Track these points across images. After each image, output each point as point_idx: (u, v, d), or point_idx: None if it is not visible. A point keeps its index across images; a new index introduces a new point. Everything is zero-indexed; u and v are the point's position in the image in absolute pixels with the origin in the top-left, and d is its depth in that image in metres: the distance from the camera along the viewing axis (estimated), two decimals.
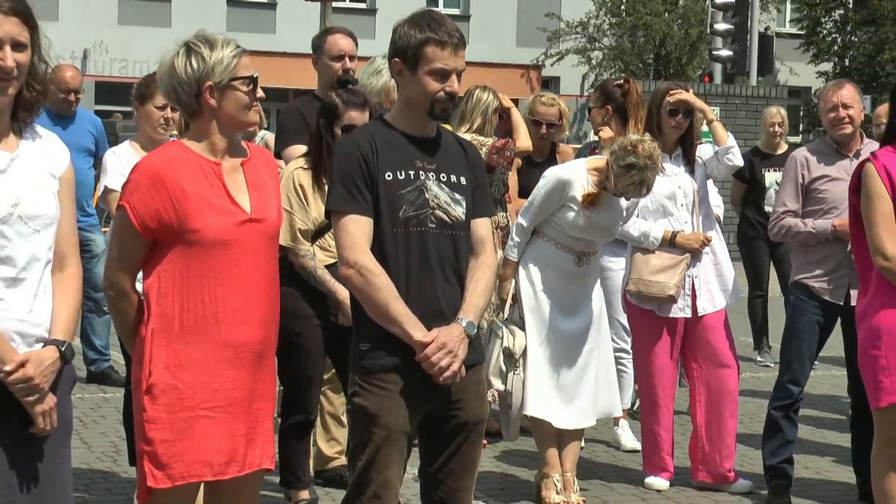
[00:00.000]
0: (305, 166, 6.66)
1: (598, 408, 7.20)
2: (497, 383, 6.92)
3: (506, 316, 7.04)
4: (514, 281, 7.07)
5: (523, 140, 8.46)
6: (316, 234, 6.65)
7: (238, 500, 4.62)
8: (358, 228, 4.58)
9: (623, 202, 7.09)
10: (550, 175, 7.13)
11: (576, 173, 7.07)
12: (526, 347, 6.94)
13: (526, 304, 7.01)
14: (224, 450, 4.45)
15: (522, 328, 6.97)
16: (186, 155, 4.44)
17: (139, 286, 4.51)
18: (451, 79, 4.60)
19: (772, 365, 11.85)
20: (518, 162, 8.69)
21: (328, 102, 6.68)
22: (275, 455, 4.70)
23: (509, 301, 7.05)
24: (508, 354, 6.90)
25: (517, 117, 8.53)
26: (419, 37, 4.58)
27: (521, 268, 7.07)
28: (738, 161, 7.55)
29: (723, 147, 7.47)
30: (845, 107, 7.14)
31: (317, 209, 6.57)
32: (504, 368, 6.91)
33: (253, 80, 4.48)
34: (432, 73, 4.58)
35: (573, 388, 6.98)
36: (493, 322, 7.16)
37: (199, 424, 4.39)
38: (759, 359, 11.86)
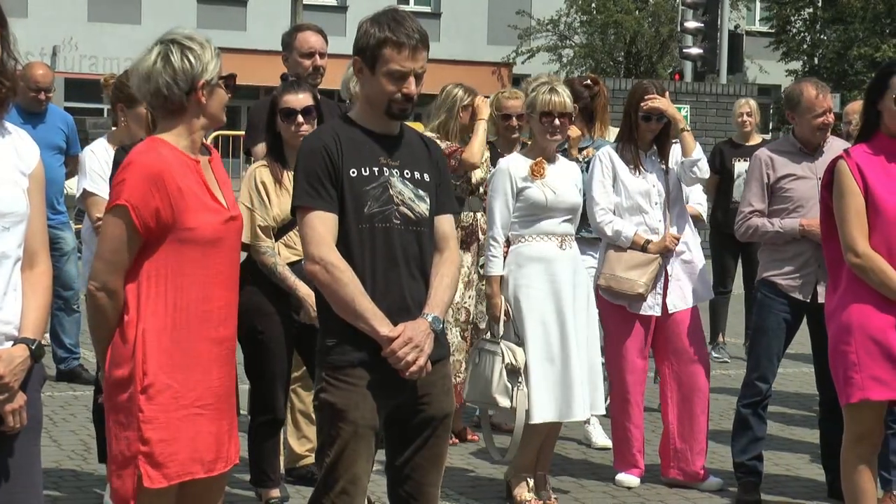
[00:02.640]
0: (267, 164, 6.68)
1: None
2: (503, 401, 6.87)
3: (501, 333, 6.96)
4: (503, 298, 7.00)
5: (470, 152, 8.18)
6: (280, 232, 6.65)
7: (210, 496, 4.62)
8: (323, 224, 4.59)
9: (573, 170, 7.17)
10: (492, 177, 7.20)
11: (510, 158, 7.20)
12: (527, 361, 6.89)
13: (518, 314, 6.95)
14: (213, 446, 4.47)
15: (518, 344, 6.93)
16: (173, 152, 4.43)
17: None
18: (409, 81, 4.61)
19: (728, 360, 11.93)
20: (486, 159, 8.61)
21: (269, 98, 6.75)
22: (239, 449, 4.72)
23: (503, 318, 6.98)
24: (512, 371, 6.85)
25: (480, 131, 8.35)
26: (378, 37, 4.60)
27: (508, 281, 7.00)
28: (704, 174, 7.56)
29: (688, 160, 7.47)
30: (830, 111, 7.20)
31: (279, 206, 6.58)
32: (509, 386, 6.88)
33: (233, 78, 4.53)
34: (389, 75, 4.60)
35: (577, 380, 6.92)
36: (482, 341, 7.09)
37: (193, 422, 4.41)
38: (714, 355, 11.88)
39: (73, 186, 8.81)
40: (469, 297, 8.21)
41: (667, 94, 7.62)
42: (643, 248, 7.43)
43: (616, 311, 7.49)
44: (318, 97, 7.47)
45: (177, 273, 4.38)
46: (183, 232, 4.36)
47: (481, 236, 8.13)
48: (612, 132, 9.64)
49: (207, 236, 4.40)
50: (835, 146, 7.10)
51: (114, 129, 7.20)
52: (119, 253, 4.38)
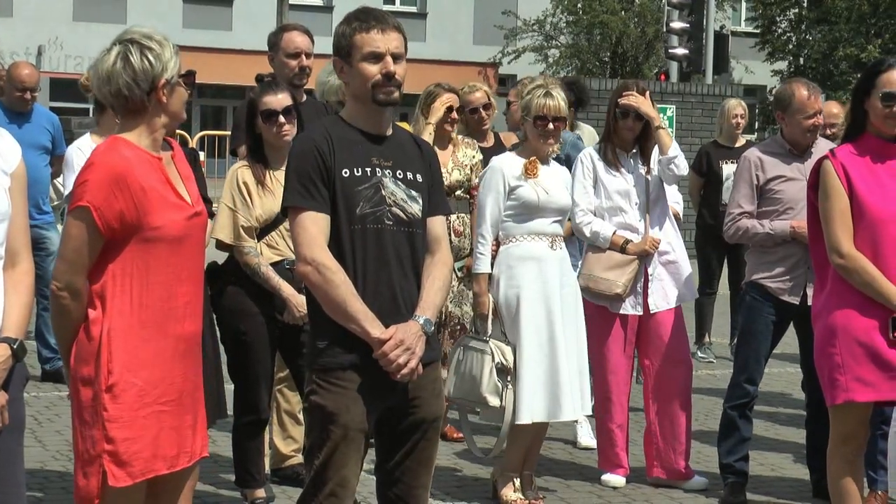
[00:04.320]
0: (248, 164, 6.67)
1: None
2: (493, 400, 6.87)
3: (489, 332, 6.98)
4: (490, 296, 7.00)
5: None
6: (263, 232, 6.64)
7: (178, 490, 4.61)
8: (315, 225, 4.58)
9: (564, 172, 7.17)
10: (484, 174, 7.20)
11: (504, 157, 7.19)
12: (516, 359, 6.90)
13: (508, 315, 6.95)
14: (175, 442, 4.45)
15: (506, 342, 6.94)
16: (135, 152, 4.41)
17: None
18: (386, 60, 4.62)
19: (714, 360, 11.95)
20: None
21: (247, 100, 6.74)
22: (208, 441, 4.70)
23: (490, 317, 6.98)
24: (502, 369, 6.84)
25: (425, 134, 8.30)
26: (349, 30, 4.65)
27: (498, 280, 7.01)
28: (682, 171, 7.57)
29: (665, 157, 7.49)
30: (821, 113, 7.21)
31: (261, 206, 6.58)
32: (499, 385, 6.87)
33: (192, 76, 4.56)
34: (365, 59, 4.61)
35: (566, 380, 6.91)
36: (467, 338, 7.09)
37: (156, 419, 4.39)
38: (700, 355, 11.90)
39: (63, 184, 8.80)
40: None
41: (647, 93, 7.62)
42: (622, 248, 7.43)
43: (598, 311, 7.49)
44: (305, 97, 7.48)
45: (143, 271, 4.36)
46: (149, 231, 4.35)
47: (454, 238, 8.10)
48: (583, 128, 9.67)
49: (173, 234, 4.38)
50: (822, 147, 7.10)
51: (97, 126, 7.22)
52: (80, 253, 4.35)
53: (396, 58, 4.64)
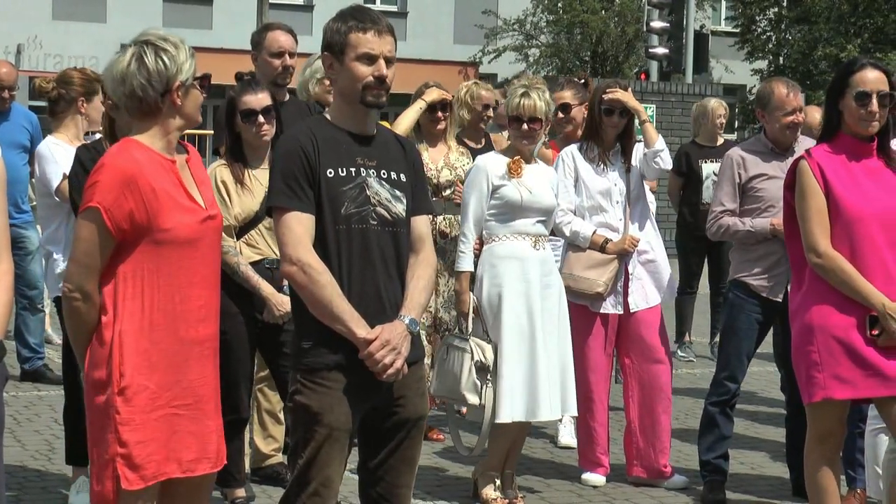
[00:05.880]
0: (227, 163, 6.68)
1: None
2: (472, 398, 6.87)
3: (470, 330, 6.98)
4: (471, 294, 7.01)
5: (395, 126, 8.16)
6: (242, 230, 6.64)
7: (197, 497, 4.61)
8: (300, 225, 4.58)
9: (549, 173, 7.17)
10: (468, 173, 7.21)
11: (488, 156, 7.21)
12: (496, 358, 6.90)
13: (490, 313, 6.96)
14: (193, 446, 4.46)
15: (487, 340, 6.94)
16: (148, 154, 4.41)
17: None
18: (379, 63, 4.62)
19: (694, 360, 11.98)
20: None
21: (227, 99, 6.75)
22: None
23: (471, 315, 6.99)
24: (481, 368, 6.85)
25: (412, 110, 8.28)
26: (344, 27, 4.63)
27: (480, 278, 7.01)
28: (667, 165, 7.59)
29: (651, 150, 7.50)
30: (800, 111, 7.23)
31: (240, 205, 6.59)
32: (478, 383, 6.87)
33: (207, 79, 4.54)
34: (359, 59, 4.61)
35: (545, 380, 6.91)
36: (451, 337, 7.09)
37: (169, 423, 4.40)
38: (680, 354, 11.93)
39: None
40: (431, 301, 8.16)
41: (629, 89, 7.64)
42: (602, 248, 7.44)
43: (578, 310, 7.49)
44: (287, 97, 7.48)
45: (153, 274, 4.37)
46: (159, 233, 4.35)
47: (440, 240, 8.11)
48: None
49: (184, 236, 4.39)
50: (806, 146, 7.12)
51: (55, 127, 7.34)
52: (92, 255, 4.36)
53: (388, 61, 4.65)
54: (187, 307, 4.42)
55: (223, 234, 6.50)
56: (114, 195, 4.31)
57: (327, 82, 7.90)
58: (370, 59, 4.61)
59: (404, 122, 8.16)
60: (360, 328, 4.53)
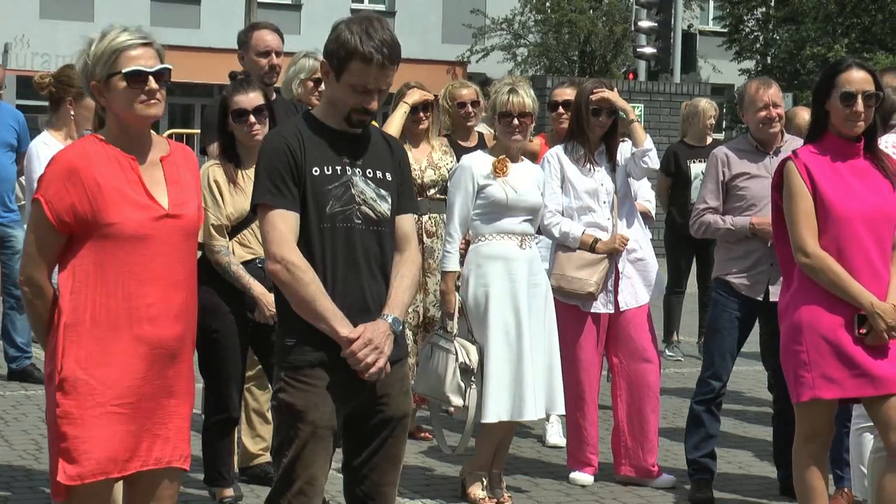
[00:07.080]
0: (220, 163, 6.68)
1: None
2: (456, 400, 6.86)
3: (455, 331, 6.97)
4: (457, 294, 7.00)
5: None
6: (235, 230, 6.65)
7: (154, 498, 4.58)
8: (284, 223, 4.57)
9: (536, 171, 7.18)
10: (454, 172, 7.21)
11: (473, 155, 7.21)
12: (481, 359, 6.90)
13: (476, 313, 6.95)
14: (129, 446, 4.41)
15: (472, 341, 6.94)
16: (102, 149, 4.41)
17: (54, 280, 4.48)
18: (371, 96, 4.59)
19: (682, 359, 12.00)
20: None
21: (220, 99, 6.75)
22: (190, 456, 4.64)
23: (456, 315, 6.98)
24: (465, 369, 6.84)
25: (398, 114, 8.28)
26: (348, 47, 4.55)
27: (466, 278, 7.00)
28: (654, 164, 7.59)
29: (639, 150, 7.51)
30: (775, 106, 7.22)
31: (232, 205, 6.59)
32: (462, 385, 6.86)
33: (139, 73, 4.40)
34: (352, 87, 4.58)
35: (530, 380, 6.90)
36: (435, 336, 7.08)
37: (109, 421, 4.36)
38: (668, 353, 11.95)
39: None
40: (419, 300, 8.16)
41: (615, 89, 7.65)
42: (591, 247, 7.44)
43: (569, 310, 7.49)
44: (274, 96, 7.47)
45: (98, 268, 4.36)
46: (105, 227, 4.34)
47: (426, 239, 8.11)
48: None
49: (129, 232, 4.36)
50: (794, 145, 7.13)
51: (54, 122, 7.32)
52: (39, 246, 4.39)
53: (382, 93, 4.63)
54: (133, 305, 4.38)
55: (215, 233, 6.55)
56: (55, 188, 4.33)
57: (310, 84, 7.93)
58: (364, 91, 4.59)
59: (391, 129, 8.14)
60: (343, 327, 4.53)
